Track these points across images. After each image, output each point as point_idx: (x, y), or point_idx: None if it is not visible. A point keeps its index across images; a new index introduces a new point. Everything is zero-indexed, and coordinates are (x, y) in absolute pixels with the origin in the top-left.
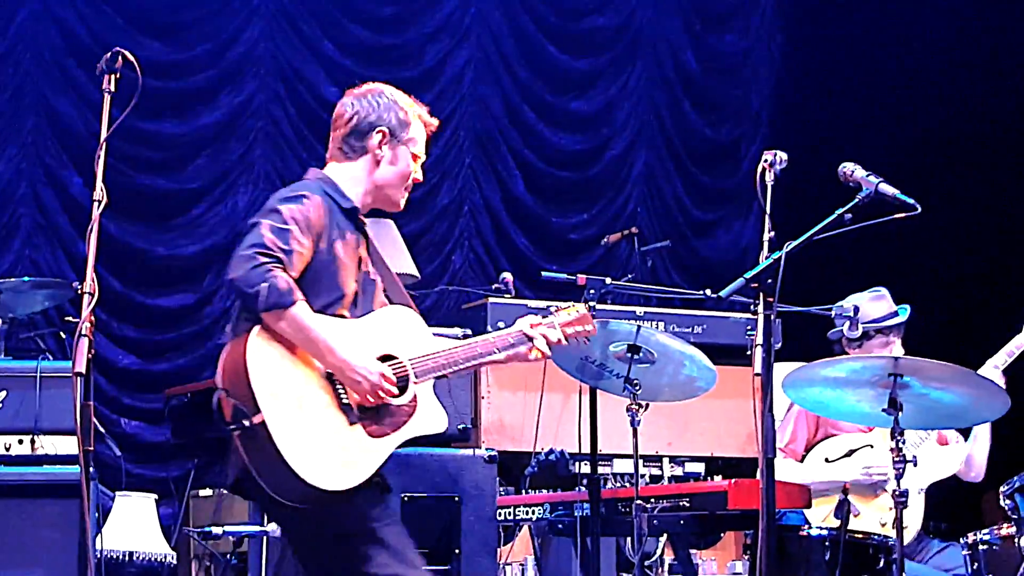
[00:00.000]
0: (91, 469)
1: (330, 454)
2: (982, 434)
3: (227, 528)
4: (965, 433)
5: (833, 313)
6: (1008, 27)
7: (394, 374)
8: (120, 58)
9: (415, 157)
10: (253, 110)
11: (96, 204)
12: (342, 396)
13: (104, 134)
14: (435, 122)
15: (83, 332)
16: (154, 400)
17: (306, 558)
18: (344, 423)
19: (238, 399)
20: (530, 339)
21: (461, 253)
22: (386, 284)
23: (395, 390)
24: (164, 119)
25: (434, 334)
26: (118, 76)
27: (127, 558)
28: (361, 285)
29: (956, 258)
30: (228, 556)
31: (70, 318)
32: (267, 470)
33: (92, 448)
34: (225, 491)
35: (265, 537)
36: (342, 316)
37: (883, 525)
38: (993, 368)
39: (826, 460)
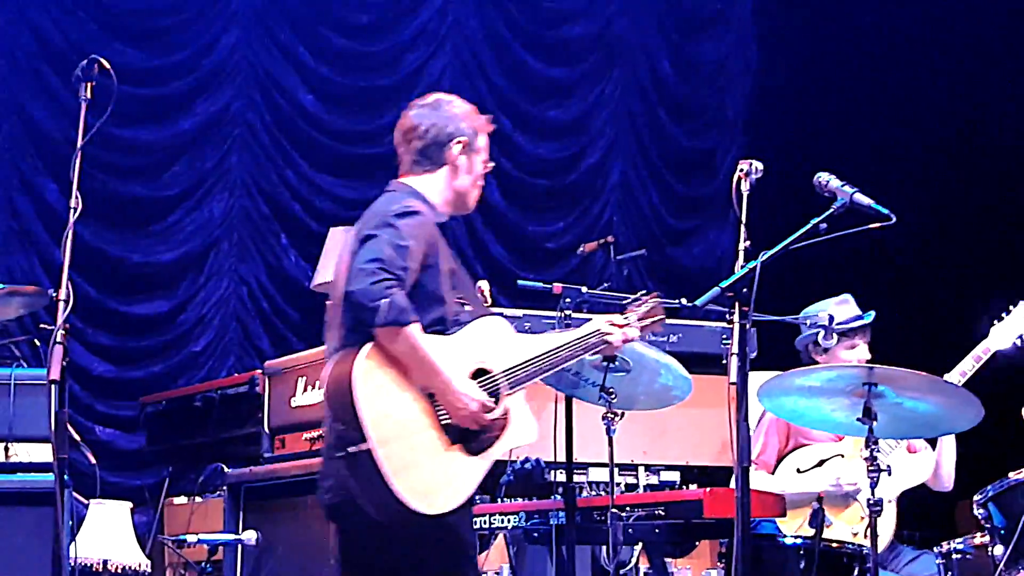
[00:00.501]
0: (65, 477)
1: (433, 478)
2: (947, 444)
3: (202, 536)
4: (932, 442)
5: (808, 322)
6: (981, 37)
7: (487, 389)
8: (96, 65)
9: (486, 164)
10: (230, 117)
11: (72, 211)
12: (442, 417)
13: (80, 141)
14: (493, 127)
15: (58, 340)
16: (129, 408)
17: None
18: (444, 444)
19: (344, 424)
20: (607, 341)
21: None
22: (465, 289)
23: (491, 414)
24: (140, 126)
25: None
26: (94, 83)
27: (101, 566)
28: (452, 296)
29: (922, 265)
30: (202, 564)
31: (45, 325)
32: (371, 496)
33: (67, 456)
34: (200, 499)
35: (239, 546)
36: (444, 328)
37: (855, 535)
38: (960, 375)
39: (797, 471)
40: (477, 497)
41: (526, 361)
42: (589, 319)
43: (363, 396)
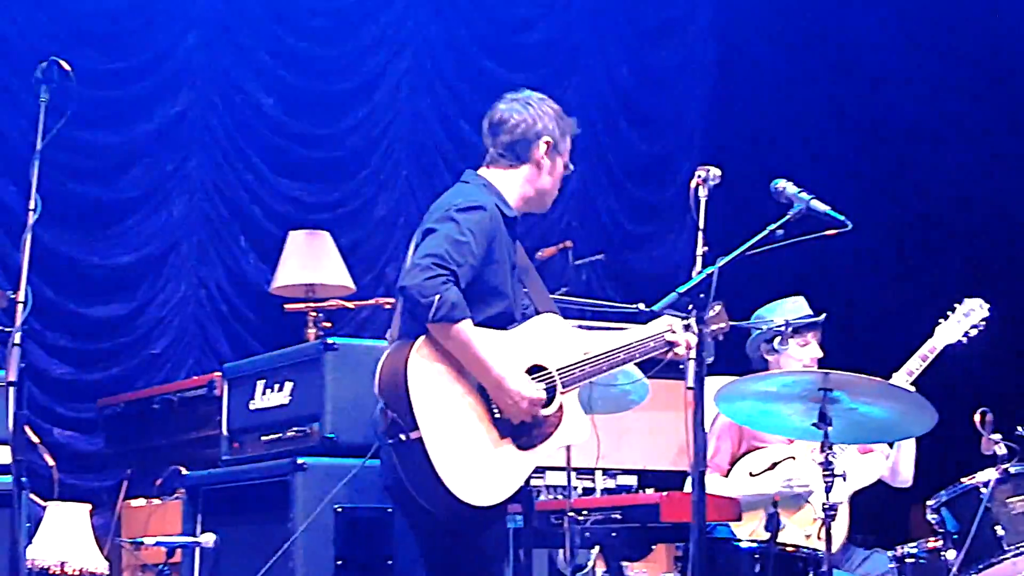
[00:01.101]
0: (23, 479)
1: (482, 470)
2: (906, 441)
3: (160, 539)
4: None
5: (764, 327)
6: (938, 45)
7: (543, 385)
8: (56, 67)
9: (567, 166)
10: (189, 120)
11: (31, 213)
12: (494, 411)
13: (39, 143)
14: (579, 130)
15: (16, 341)
16: (87, 410)
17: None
18: (495, 438)
19: (397, 412)
20: (670, 344)
21: (396, 265)
22: (532, 286)
23: (543, 409)
24: (100, 128)
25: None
26: (54, 85)
27: (59, 569)
28: (517, 291)
29: (868, 267)
30: (160, 567)
31: (2, 328)
32: (420, 484)
33: (24, 458)
34: (158, 501)
35: (198, 548)
36: (504, 323)
37: (807, 536)
38: (907, 375)
39: (750, 474)
40: None
41: (582, 360)
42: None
43: (416, 386)
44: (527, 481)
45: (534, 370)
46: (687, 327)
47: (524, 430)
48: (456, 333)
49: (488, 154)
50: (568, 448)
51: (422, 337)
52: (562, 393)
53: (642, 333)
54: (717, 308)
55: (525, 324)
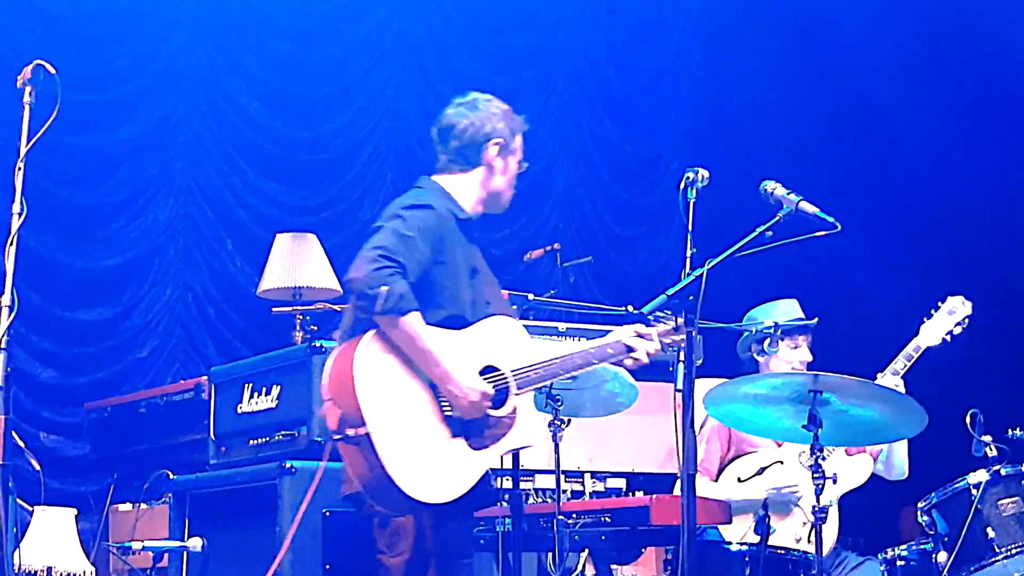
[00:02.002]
0: (9, 483)
1: (432, 467)
2: None
3: (146, 544)
4: None
5: (754, 329)
6: (923, 45)
7: (496, 385)
8: (41, 70)
9: (520, 164)
10: (175, 123)
11: (16, 217)
12: (444, 408)
13: (24, 147)
14: (527, 126)
15: (1, 346)
16: (73, 414)
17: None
18: (446, 435)
19: (344, 409)
20: (630, 349)
21: None
22: (489, 291)
23: (496, 411)
24: (85, 132)
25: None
26: (38, 88)
27: (46, 573)
28: (473, 294)
29: (854, 266)
30: (147, 572)
31: None
32: (369, 479)
33: (10, 462)
34: (145, 505)
35: (185, 553)
36: (458, 325)
37: (797, 540)
38: (892, 374)
39: (739, 479)
40: None
41: (537, 363)
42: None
43: (363, 381)
44: (516, 484)
45: (487, 371)
46: (646, 335)
47: (476, 430)
48: (403, 325)
49: (439, 160)
50: (557, 450)
51: (371, 332)
52: (516, 395)
53: (602, 341)
54: (673, 322)
55: (479, 324)
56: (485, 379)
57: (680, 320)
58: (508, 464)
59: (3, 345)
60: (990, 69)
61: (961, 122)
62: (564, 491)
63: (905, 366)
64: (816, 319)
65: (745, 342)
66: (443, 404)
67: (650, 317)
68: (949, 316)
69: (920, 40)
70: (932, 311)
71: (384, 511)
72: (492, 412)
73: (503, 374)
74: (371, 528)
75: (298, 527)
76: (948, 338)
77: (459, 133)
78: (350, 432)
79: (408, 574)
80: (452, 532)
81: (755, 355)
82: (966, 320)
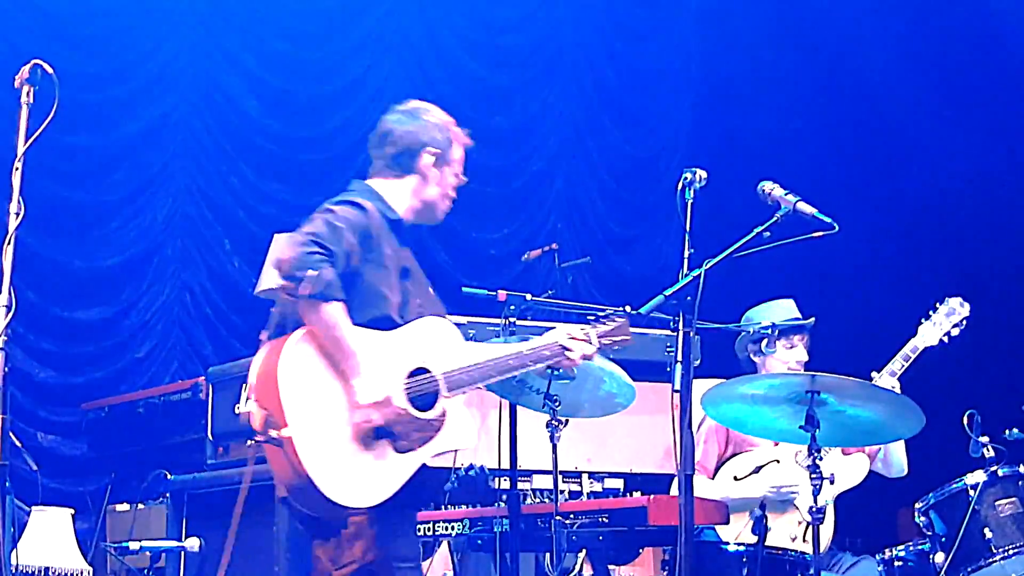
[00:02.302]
0: (7, 483)
1: (353, 470)
2: None
3: (144, 543)
4: None
5: (752, 330)
6: (920, 46)
7: (425, 388)
8: (39, 69)
9: (458, 178)
10: (173, 122)
11: (14, 216)
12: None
13: (22, 146)
14: (471, 141)
15: None
16: (71, 414)
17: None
18: (371, 439)
19: (268, 409)
20: (566, 350)
21: None
22: (422, 294)
23: (424, 413)
24: (83, 131)
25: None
26: (37, 87)
27: (43, 573)
28: (404, 295)
29: (853, 267)
30: (145, 571)
31: None
32: (292, 481)
33: (8, 462)
34: (143, 505)
35: (182, 553)
36: (389, 326)
37: (793, 540)
38: (889, 375)
39: (735, 478)
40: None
41: (469, 365)
42: (536, 326)
43: (287, 383)
44: (515, 484)
45: (417, 372)
46: (585, 336)
47: (402, 432)
48: (324, 312)
49: (373, 165)
50: (555, 451)
51: (299, 331)
52: (446, 397)
53: (537, 342)
54: (618, 321)
55: (410, 326)
56: (414, 380)
57: (620, 319)
58: (505, 464)
59: (1, 345)
60: (990, 68)
61: (960, 123)
62: (562, 491)
63: (903, 366)
64: (813, 319)
65: (742, 343)
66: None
67: (590, 318)
68: (947, 317)
69: (919, 40)
70: (930, 312)
71: (311, 514)
72: (419, 415)
73: (432, 376)
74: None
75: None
76: (946, 339)
77: (396, 139)
78: (273, 433)
79: None
80: (388, 536)
81: (752, 355)
82: (964, 321)
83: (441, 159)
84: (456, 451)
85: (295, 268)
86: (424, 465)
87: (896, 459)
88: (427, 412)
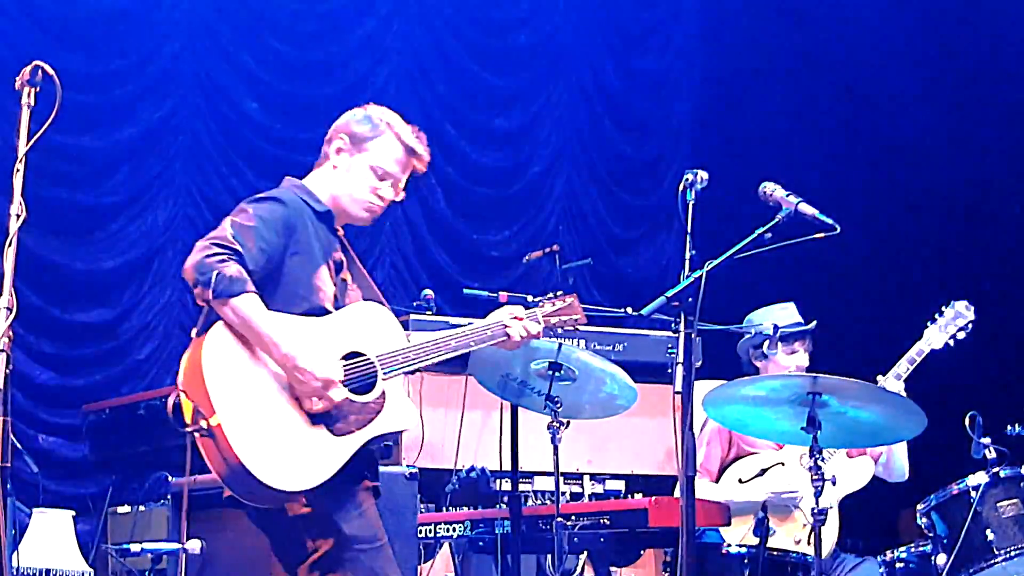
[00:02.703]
0: (8, 485)
1: (288, 454)
2: None
3: (145, 545)
4: None
5: (753, 331)
6: (922, 48)
7: (361, 371)
8: (40, 71)
9: (378, 172)
10: (174, 124)
11: (15, 218)
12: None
13: (23, 148)
14: (425, 154)
15: (0, 347)
16: (72, 416)
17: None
18: (304, 422)
19: (195, 400)
20: (506, 332)
21: (382, 270)
22: (361, 286)
23: (362, 396)
24: (84, 133)
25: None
26: (38, 89)
27: (44, 575)
28: (338, 287)
29: (859, 269)
30: (146, 574)
31: None
32: (227, 472)
33: (9, 464)
34: (144, 507)
35: (183, 554)
36: (320, 316)
37: (797, 542)
38: (895, 378)
39: (739, 481)
40: (423, 506)
41: (406, 347)
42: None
43: (212, 371)
44: (516, 486)
45: (351, 356)
46: (529, 315)
47: (338, 416)
48: (234, 307)
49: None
50: (556, 452)
51: (219, 323)
52: (384, 379)
53: (479, 323)
54: (568, 299)
55: (343, 311)
56: (349, 364)
57: (570, 298)
58: (507, 466)
59: (3, 347)
60: (994, 69)
61: (964, 125)
62: (563, 493)
63: (908, 370)
64: (814, 322)
65: (743, 347)
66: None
67: (539, 300)
68: (953, 321)
69: (922, 42)
70: (936, 315)
71: (252, 504)
72: (356, 398)
73: (368, 359)
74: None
75: None
76: (952, 343)
77: (330, 131)
78: (202, 424)
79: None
80: (338, 520)
81: (753, 360)
82: (970, 325)
83: (352, 145)
84: (399, 432)
85: (197, 273)
86: (364, 446)
87: (898, 463)
88: (365, 395)
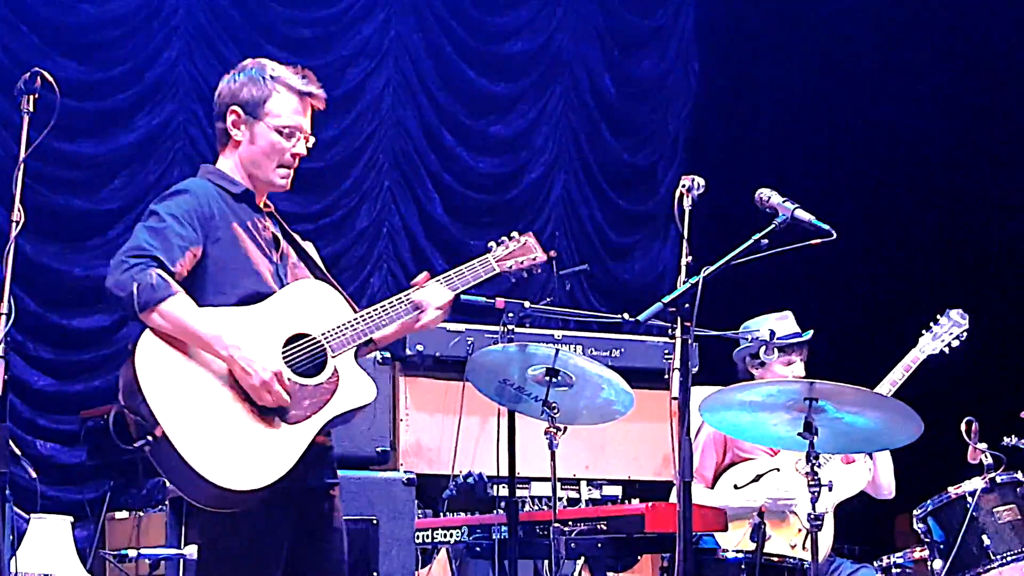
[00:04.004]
0: (6, 491)
1: (240, 452)
2: (882, 454)
3: (143, 551)
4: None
5: (750, 338)
6: (918, 55)
7: (307, 352)
8: (39, 78)
9: (283, 131)
10: (171, 131)
11: (14, 224)
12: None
13: (22, 154)
14: (320, 92)
15: None
16: (70, 422)
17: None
18: (253, 417)
19: (137, 415)
20: (417, 306)
21: (379, 275)
22: (308, 264)
23: (311, 378)
24: (82, 139)
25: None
26: (36, 96)
27: None
28: (275, 265)
29: (855, 276)
30: None
31: None
32: (179, 479)
33: (7, 470)
34: (142, 513)
35: (181, 560)
36: (260, 300)
37: (793, 547)
38: (890, 385)
39: (735, 487)
40: (419, 511)
41: (350, 321)
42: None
43: (148, 381)
44: (513, 492)
45: (296, 339)
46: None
47: (290, 403)
48: (162, 314)
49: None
50: (553, 458)
51: (146, 331)
52: (333, 357)
53: (397, 297)
54: (523, 238)
55: (279, 293)
56: (294, 347)
57: (524, 239)
58: (504, 472)
59: (1, 353)
60: (993, 74)
61: (962, 131)
62: (560, 498)
63: (903, 377)
64: (811, 331)
65: (740, 354)
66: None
67: (489, 245)
68: (948, 330)
69: (920, 49)
70: (932, 324)
71: (214, 510)
72: (307, 381)
73: (314, 339)
74: (371, 535)
75: None
76: (947, 350)
77: (215, 106)
78: (149, 437)
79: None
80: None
81: (750, 368)
82: (964, 334)
83: (247, 114)
84: (360, 408)
85: (117, 290)
86: (323, 430)
87: (884, 480)
88: (315, 377)
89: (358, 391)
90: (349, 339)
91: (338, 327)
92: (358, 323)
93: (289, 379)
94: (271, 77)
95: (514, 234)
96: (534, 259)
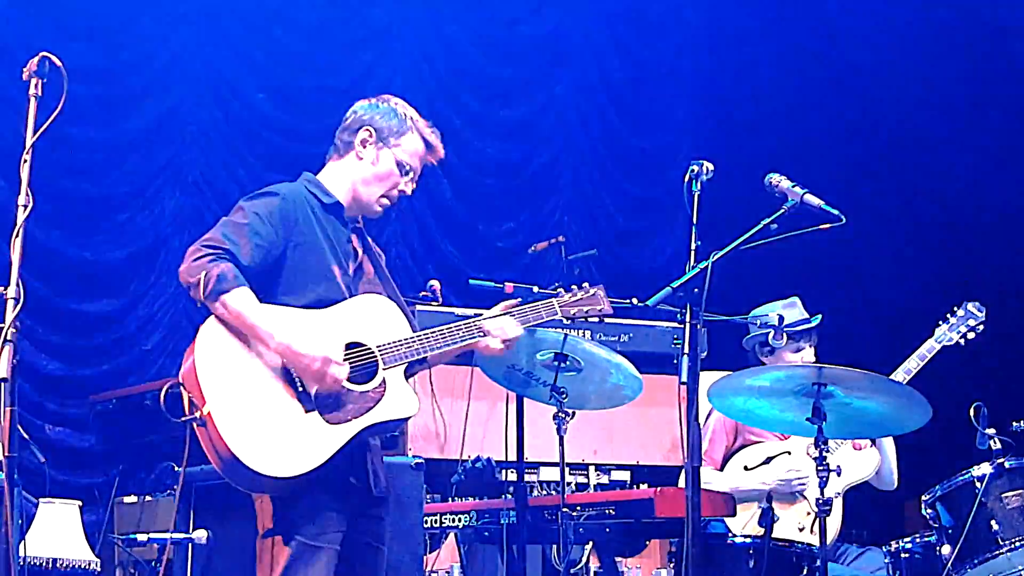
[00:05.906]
0: (15, 475)
1: (279, 441)
2: (887, 445)
3: (152, 535)
4: (874, 441)
5: (758, 323)
6: (927, 42)
7: (361, 361)
8: (47, 62)
9: (403, 166)
10: (181, 115)
11: (22, 209)
12: (298, 384)
13: (30, 139)
14: (441, 149)
15: (7, 337)
16: (79, 406)
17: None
18: (298, 411)
19: (190, 392)
20: (484, 332)
21: (388, 261)
22: (381, 280)
23: (362, 385)
24: (91, 123)
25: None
26: (45, 80)
27: (50, 565)
28: (348, 276)
29: (869, 265)
30: (153, 564)
31: None
32: (220, 461)
33: (16, 454)
34: (151, 497)
35: (190, 544)
36: (328, 307)
37: (801, 530)
38: (904, 374)
39: (745, 468)
40: (428, 496)
41: (407, 338)
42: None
43: (204, 362)
44: (521, 476)
45: (352, 346)
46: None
47: (334, 404)
48: (225, 304)
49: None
50: (561, 443)
51: (212, 316)
52: (384, 369)
53: (464, 322)
54: (592, 290)
55: (346, 303)
56: (350, 354)
57: (595, 288)
58: (512, 457)
59: (10, 337)
60: (1002, 62)
61: (973, 117)
62: (568, 483)
63: (918, 366)
64: (820, 316)
65: (750, 342)
66: (296, 380)
67: (557, 288)
68: (964, 321)
69: (932, 33)
70: (948, 315)
71: (245, 491)
72: (354, 387)
73: (368, 349)
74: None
75: None
76: (962, 342)
77: (346, 121)
78: (196, 413)
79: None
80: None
81: (760, 356)
82: (980, 326)
83: (379, 139)
84: (400, 420)
85: (188, 276)
86: (360, 435)
87: (886, 472)
88: (364, 384)
89: (401, 404)
90: (402, 355)
91: (394, 342)
92: (414, 342)
93: (341, 380)
94: (410, 118)
95: (585, 284)
96: (600, 310)
